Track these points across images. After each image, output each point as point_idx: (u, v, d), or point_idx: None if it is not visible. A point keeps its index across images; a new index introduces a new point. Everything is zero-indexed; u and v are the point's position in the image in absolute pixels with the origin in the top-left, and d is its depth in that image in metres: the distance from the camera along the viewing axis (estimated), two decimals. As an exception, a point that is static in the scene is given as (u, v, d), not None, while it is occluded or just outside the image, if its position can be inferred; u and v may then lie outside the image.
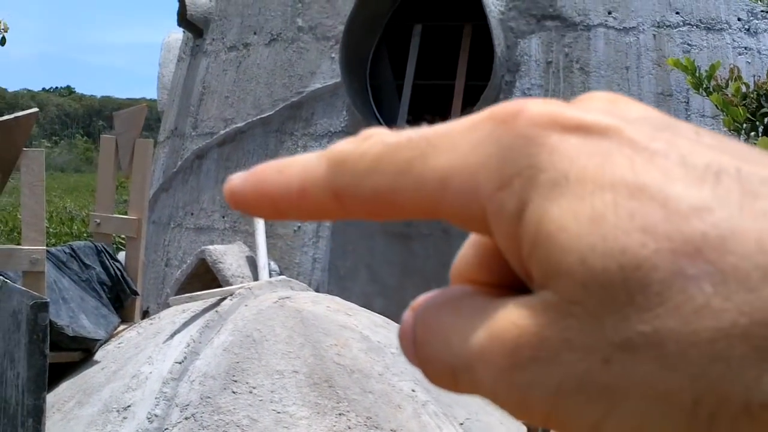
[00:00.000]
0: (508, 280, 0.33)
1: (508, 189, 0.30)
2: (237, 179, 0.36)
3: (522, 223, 0.30)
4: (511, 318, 0.30)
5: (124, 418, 3.78)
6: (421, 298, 0.35)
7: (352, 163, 0.34)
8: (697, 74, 4.57)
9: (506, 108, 0.32)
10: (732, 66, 5.11)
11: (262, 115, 8.67)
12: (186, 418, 3.70)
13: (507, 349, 0.29)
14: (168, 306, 5.08)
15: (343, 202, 0.34)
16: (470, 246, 0.36)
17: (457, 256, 0.37)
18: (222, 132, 8.97)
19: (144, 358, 4.12)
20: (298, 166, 0.35)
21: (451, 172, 0.32)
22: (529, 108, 0.32)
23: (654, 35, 7.98)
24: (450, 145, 0.32)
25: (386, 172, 0.33)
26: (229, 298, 4.39)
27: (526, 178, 0.30)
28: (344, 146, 0.34)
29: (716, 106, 4.56)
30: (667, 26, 8.01)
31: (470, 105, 7.97)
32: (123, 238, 6.61)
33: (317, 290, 6.50)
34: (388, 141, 0.34)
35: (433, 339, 0.33)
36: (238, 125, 8.83)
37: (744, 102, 4.81)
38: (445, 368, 0.32)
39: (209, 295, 4.57)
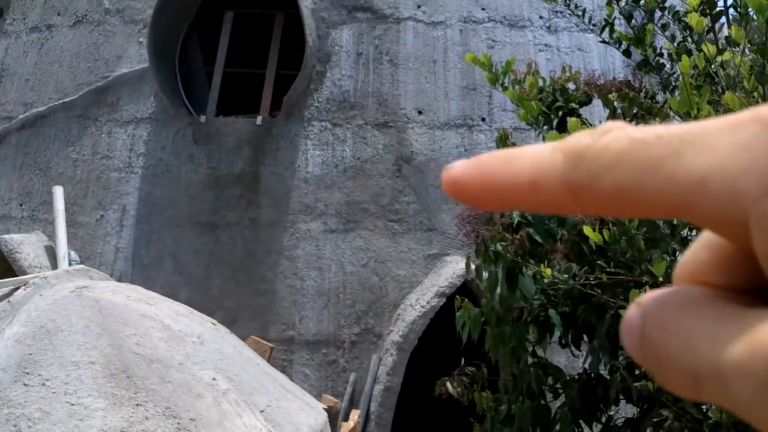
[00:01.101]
0: (749, 286, 0.33)
1: None
2: (459, 168, 0.35)
3: None
4: None
5: None
6: (650, 295, 0.34)
7: (592, 157, 0.32)
8: (494, 70, 4.72)
9: None
10: (530, 61, 5.31)
11: (65, 100, 8.38)
12: (-28, 413, 3.54)
13: None
14: (-44, 297, 4.83)
15: (580, 196, 0.33)
16: (704, 248, 0.35)
17: (683, 257, 0.36)
18: (21, 116, 8.61)
19: (-73, 352, 3.91)
20: (528, 157, 0.34)
21: (710, 173, 0.30)
22: None
23: (461, 30, 8.19)
24: (707, 144, 0.31)
25: (631, 168, 0.31)
26: (22, 287, 4.23)
27: None
28: (581, 139, 0.33)
29: (512, 100, 4.73)
30: (473, 22, 8.24)
31: (281, 94, 7.97)
32: None
33: (120, 280, 6.35)
34: (634, 136, 0.32)
35: (672, 341, 0.31)
36: (39, 110, 8.50)
37: (540, 96, 5.02)
38: (686, 373, 0.31)
39: (1, 285, 4.38)
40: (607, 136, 0.33)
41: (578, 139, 0.33)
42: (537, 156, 0.34)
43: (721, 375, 0.29)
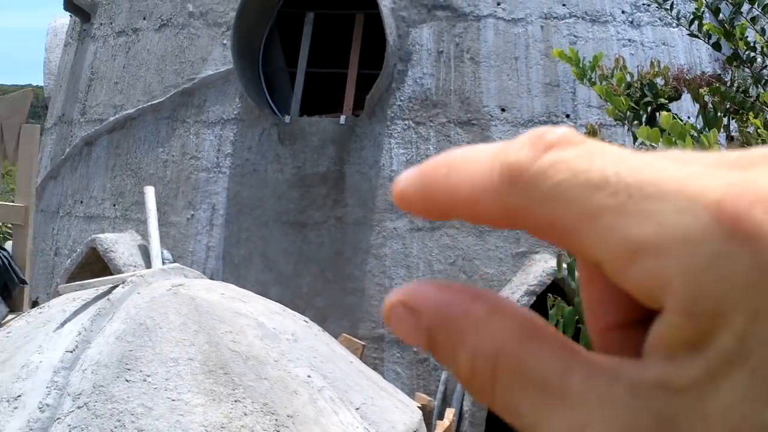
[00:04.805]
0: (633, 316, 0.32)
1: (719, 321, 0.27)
2: (404, 181, 0.33)
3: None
4: None
5: (15, 408, 3.69)
6: (425, 294, 0.32)
7: (529, 182, 0.30)
8: (581, 65, 4.68)
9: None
10: (617, 56, 5.26)
11: (153, 102, 8.54)
12: (78, 407, 3.63)
13: None
14: (58, 294, 4.96)
15: (512, 219, 0.31)
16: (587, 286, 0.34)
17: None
18: (112, 119, 8.80)
19: (34, 348, 4.02)
20: (466, 169, 0.32)
21: (645, 248, 0.28)
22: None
23: (542, 26, 8.14)
24: (651, 212, 0.28)
25: (569, 208, 0.29)
26: (121, 285, 4.32)
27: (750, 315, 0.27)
28: (519, 155, 0.31)
29: (600, 96, 4.68)
30: (554, 18, 8.17)
31: (363, 93, 8.01)
32: (10, 227, 6.44)
33: (212, 279, 6.44)
34: (577, 168, 0.30)
35: (523, 395, 0.31)
36: (128, 112, 8.68)
37: (628, 92, 4.96)
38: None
39: (100, 283, 4.48)
40: (548, 156, 0.30)
41: (516, 155, 0.31)
42: (475, 171, 0.32)
43: None
